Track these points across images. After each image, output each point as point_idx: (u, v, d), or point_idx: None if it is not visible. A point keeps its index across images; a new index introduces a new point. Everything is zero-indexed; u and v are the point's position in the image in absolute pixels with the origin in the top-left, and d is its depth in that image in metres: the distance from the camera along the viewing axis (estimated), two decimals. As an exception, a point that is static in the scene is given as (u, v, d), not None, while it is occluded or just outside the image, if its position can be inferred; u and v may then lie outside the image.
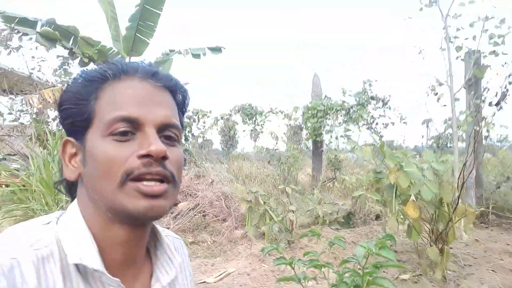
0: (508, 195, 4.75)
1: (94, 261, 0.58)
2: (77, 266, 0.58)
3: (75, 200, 0.66)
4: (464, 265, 3.00)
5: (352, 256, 1.25)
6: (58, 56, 9.93)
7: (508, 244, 3.46)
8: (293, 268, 1.49)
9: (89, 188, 0.62)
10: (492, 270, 2.87)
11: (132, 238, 0.64)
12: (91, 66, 9.13)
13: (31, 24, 8.05)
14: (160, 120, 0.62)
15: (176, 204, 5.07)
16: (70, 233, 0.60)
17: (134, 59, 8.47)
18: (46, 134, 7.11)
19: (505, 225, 4.29)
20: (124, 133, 0.60)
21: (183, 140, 9.12)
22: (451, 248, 3.00)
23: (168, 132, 0.64)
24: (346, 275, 1.41)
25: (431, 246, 2.77)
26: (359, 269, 1.37)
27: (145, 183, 0.58)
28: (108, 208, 0.60)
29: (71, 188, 0.70)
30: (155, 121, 0.61)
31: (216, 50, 9.21)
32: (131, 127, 0.60)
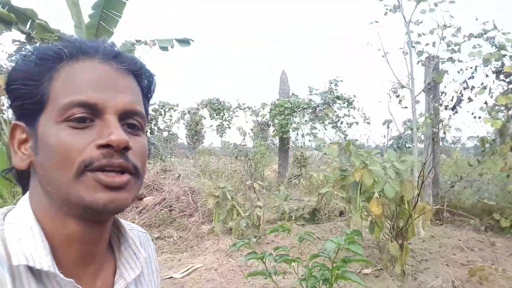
0: (461, 193, 5.07)
1: (43, 261, 0.52)
2: (29, 267, 0.52)
3: (27, 193, 0.60)
4: (421, 259, 3.17)
5: (322, 251, 1.30)
6: (14, 41, 9.36)
7: (460, 240, 3.70)
8: (264, 263, 1.51)
9: (42, 178, 0.56)
10: (446, 265, 3.06)
11: (90, 234, 0.58)
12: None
13: None
14: (121, 107, 0.56)
15: (141, 199, 4.97)
16: (17, 230, 0.55)
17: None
18: (1, 123, 6.73)
19: (457, 222, 4.58)
20: (81, 120, 0.54)
21: (148, 133, 8.94)
22: (409, 243, 3.17)
23: (131, 120, 0.58)
24: (315, 269, 1.46)
25: (391, 242, 2.91)
26: (327, 263, 1.42)
27: (105, 173, 0.53)
28: (63, 200, 0.54)
29: (23, 178, 0.63)
30: (116, 107, 0.56)
31: (185, 42, 9.03)
32: (89, 113, 0.54)
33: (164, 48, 8.91)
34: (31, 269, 0.53)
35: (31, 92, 0.56)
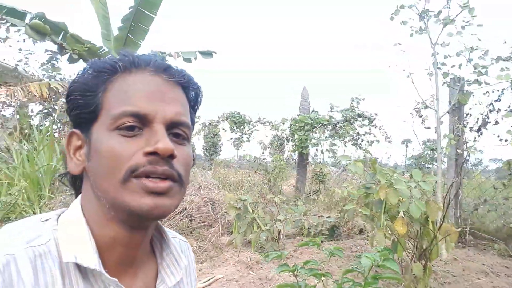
0: (485, 217, 4.96)
1: (90, 260, 0.56)
2: (77, 264, 0.56)
3: (79, 196, 0.64)
4: (444, 282, 3.13)
5: (356, 266, 1.33)
6: (46, 50, 9.77)
7: (484, 264, 3.62)
8: (295, 276, 1.55)
9: (93, 183, 0.59)
10: (470, 288, 3.00)
11: (133, 238, 0.62)
12: (81, 62, 9.07)
13: (20, 15, 7.92)
14: (169, 117, 0.59)
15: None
16: (69, 230, 0.59)
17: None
18: (31, 128, 6.98)
19: (480, 246, 4.48)
20: (131, 128, 0.57)
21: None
22: (432, 265, 3.13)
23: (177, 130, 0.61)
24: (345, 285, 1.48)
25: (415, 262, 2.89)
26: (356, 279, 1.45)
27: (150, 179, 0.56)
28: (110, 205, 0.57)
29: (75, 183, 0.68)
30: (164, 118, 0.59)
31: (207, 54, 9.23)
32: (139, 123, 0.58)
33: (188, 60, 9.13)
34: (79, 267, 0.57)
35: (87, 102, 0.60)
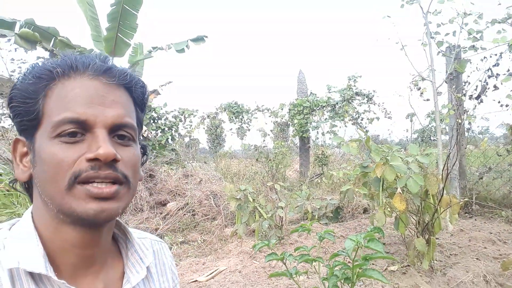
0: (490, 185, 4.88)
1: (34, 264, 0.56)
2: (28, 271, 0.56)
3: (31, 205, 0.64)
4: (450, 254, 3.08)
5: (341, 250, 1.28)
6: (38, 58, 9.73)
7: (491, 233, 3.57)
8: (284, 263, 1.51)
9: (39, 189, 0.59)
10: (477, 258, 2.95)
11: (86, 239, 0.61)
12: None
13: (9, 25, 7.85)
14: (111, 121, 0.59)
15: (165, 204, 5.05)
16: (17, 238, 0.59)
17: (116, 60, 8.37)
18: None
19: (488, 215, 4.41)
20: (72, 134, 0.57)
21: (169, 140, 9.07)
22: (437, 238, 3.08)
23: (121, 132, 0.61)
24: (337, 268, 1.44)
25: (418, 237, 2.84)
26: (349, 262, 1.40)
27: (94, 184, 0.56)
28: (57, 210, 0.58)
29: (29, 188, 0.67)
30: (105, 122, 0.58)
31: (199, 39, 9.05)
32: (80, 128, 0.57)
33: (181, 50, 8.99)
34: (31, 274, 0.57)
35: (28, 109, 0.59)
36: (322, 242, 3.39)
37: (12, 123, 0.66)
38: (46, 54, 8.98)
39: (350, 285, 1.32)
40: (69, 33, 8.38)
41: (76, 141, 0.57)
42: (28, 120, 0.60)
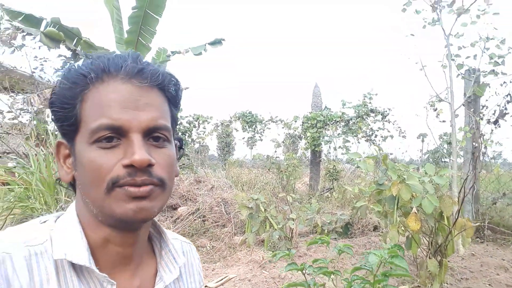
0: (504, 211, 4.83)
1: (80, 257, 0.59)
2: (72, 263, 0.59)
3: (75, 201, 0.68)
4: (461, 278, 3.05)
5: (364, 264, 1.31)
6: (59, 56, 9.97)
7: (503, 260, 3.52)
8: (304, 274, 1.53)
9: (81, 191, 0.63)
10: (489, 285, 2.92)
11: (124, 239, 0.64)
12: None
13: (36, 21, 8.08)
14: (145, 125, 0.60)
15: (176, 208, 5.10)
16: (64, 231, 0.62)
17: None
18: (48, 133, 7.14)
19: (500, 241, 4.36)
20: (109, 139, 0.59)
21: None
22: (448, 261, 3.06)
23: (156, 134, 0.62)
24: (355, 282, 1.46)
25: (430, 258, 2.83)
26: (368, 277, 1.42)
27: (132, 186, 0.59)
28: (98, 211, 0.61)
29: (74, 186, 0.70)
30: (139, 126, 0.60)
31: (216, 43, 9.14)
32: (115, 133, 0.59)
33: (198, 54, 9.11)
34: (73, 266, 0.60)
35: (66, 115, 0.62)
36: (331, 256, 3.40)
37: (55, 127, 0.70)
38: (68, 53, 9.21)
39: (369, 299, 1.34)
40: (90, 35, 8.55)
41: (113, 146, 0.59)
42: (67, 125, 0.62)
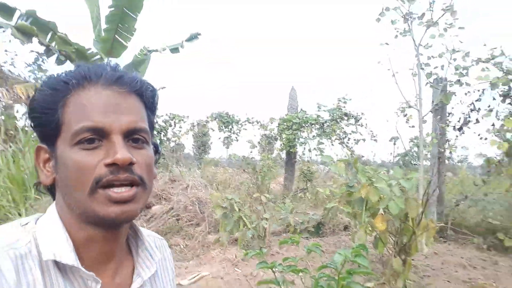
0: (466, 212, 5.11)
1: (67, 257, 0.60)
2: (56, 262, 0.61)
3: (54, 202, 0.69)
4: (424, 275, 3.23)
5: (330, 262, 1.39)
6: (31, 51, 9.66)
7: (462, 258, 3.75)
8: (274, 272, 1.61)
9: (63, 193, 0.64)
10: (448, 281, 3.11)
11: (107, 238, 0.66)
12: (68, 64, 8.98)
13: (10, 11, 7.72)
14: (126, 127, 0.63)
15: (149, 207, 5.09)
16: (47, 232, 0.63)
17: (112, 60, 8.38)
18: (16, 130, 6.92)
19: (461, 240, 4.61)
20: (91, 141, 0.61)
21: (158, 142, 9.07)
22: (412, 259, 3.23)
23: (135, 136, 0.65)
24: (322, 280, 1.55)
25: (395, 257, 2.98)
26: (334, 275, 1.52)
27: (115, 189, 0.60)
28: (81, 212, 0.62)
29: (51, 189, 0.71)
30: (120, 128, 0.62)
31: (192, 38, 9.07)
32: (97, 135, 0.61)
33: (175, 50, 9.03)
34: (57, 265, 0.61)
35: (48, 120, 0.64)
36: (302, 255, 3.51)
37: (33, 131, 0.72)
38: (41, 48, 8.94)
39: (333, 295, 1.43)
40: (67, 31, 8.31)
41: (95, 147, 0.61)
42: (48, 129, 0.64)
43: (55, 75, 0.67)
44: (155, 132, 8.99)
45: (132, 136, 0.65)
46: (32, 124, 0.67)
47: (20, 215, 4.41)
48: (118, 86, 0.65)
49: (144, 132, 0.66)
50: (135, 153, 0.64)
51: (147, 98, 0.70)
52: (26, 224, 0.65)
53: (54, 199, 0.71)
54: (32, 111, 0.66)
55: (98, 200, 0.60)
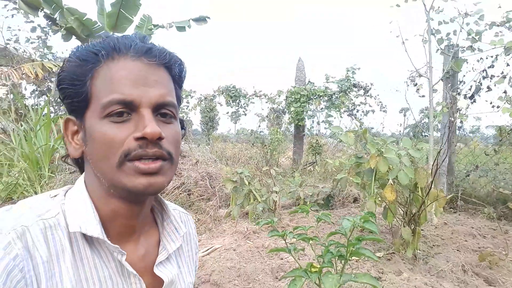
0: (476, 182, 5.09)
1: (93, 230, 0.63)
2: (83, 234, 0.63)
3: (83, 174, 0.71)
4: (433, 245, 3.26)
5: (339, 228, 1.41)
6: (33, 28, 9.58)
7: (472, 228, 3.76)
8: (285, 240, 1.64)
9: (92, 165, 0.65)
10: (457, 250, 3.14)
11: (131, 210, 0.68)
12: (74, 39, 8.93)
13: None
14: (155, 100, 0.63)
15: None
16: (75, 204, 0.65)
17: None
18: (27, 108, 6.98)
19: (471, 210, 4.62)
20: (120, 114, 0.61)
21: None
22: (422, 229, 3.25)
23: (163, 110, 0.65)
24: (331, 247, 1.58)
25: (404, 227, 3.00)
26: (344, 242, 1.54)
27: (142, 161, 0.61)
28: (109, 184, 0.63)
29: (78, 162, 0.73)
30: (149, 101, 0.62)
31: (201, 20, 9.04)
32: (126, 108, 0.61)
33: (181, 29, 8.96)
34: (85, 237, 0.64)
35: (77, 91, 0.64)
36: (313, 227, 3.56)
37: (62, 104, 0.70)
38: (45, 23, 8.87)
39: (343, 262, 1.46)
40: (71, 5, 8.21)
41: (124, 121, 0.62)
42: (77, 101, 0.64)
43: (84, 46, 0.66)
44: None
45: (161, 111, 0.65)
46: (60, 95, 0.68)
47: (36, 193, 4.52)
48: (147, 58, 0.64)
49: (172, 107, 0.66)
50: (164, 128, 0.64)
51: (175, 72, 0.70)
52: (55, 196, 0.68)
53: (81, 172, 0.73)
54: (60, 82, 0.66)
55: (126, 172, 0.61)
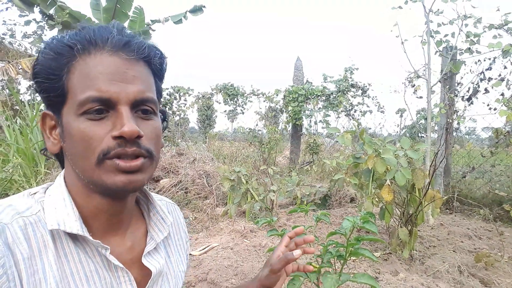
0: (472, 184, 5.11)
1: (73, 226, 0.61)
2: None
3: (63, 171, 0.69)
4: (429, 246, 3.27)
5: (339, 228, 1.41)
6: (27, 22, 9.48)
7: (468, 229, 3.78)
8: (283, 240, 1.63)
9: (70, 161, 0.64)
10: (453, 251, 3.15)
11: (114, 206, 0.67)
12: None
13: None
14: (133, 97, 0.61)
15: (158, 181, 5.15)
16: (53, 201, 0.64)
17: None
18: (22, 104, 6.93)
19: (467, 212, 4.64)
20: (98, 111, 0.59)
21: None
22: (418, 230, 3.26)
23: (143, 107, 0.63)
24: (330, 246, 1.57)
25: (401, 227, 3.01)
26: (343, 242, 1.54)
27: (122, 159, 0.60)
28: (88, 181, 0.62)
29: (59, 156, 0.70)
30: (127, 98, 0.60)
31: (197, 10, 8.92)
32: (104, 106, 0.59)
33: (178, 21, 8.86)
34: (69, 233, 0.63)
35: (53, 86, 0.61)
36: (310, 227, 3.56)
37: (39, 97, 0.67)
38: (40, 17, 8.78)
39: (342, 262, 1.46)
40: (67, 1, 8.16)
41: (102, 118, 0.60)
42: (54, 96, 0.62)
43: (58, 37, 0.63)
44: (160, 106, 9.12)
45: (140, 107, 0.63)
46: (36, 89, 0.65)
47: (31, 189, 4.49)
48: (125, 53, 0.62)
49: (152, 103, 0.65)
50: (143, 125, 0.63)
51: (155, 65, 0.68)
52: (35, 193, 0.66)
53: (62, 167, 0.72)
54: (35, 75, 0.63)
55: (106, 169, 0.60)
